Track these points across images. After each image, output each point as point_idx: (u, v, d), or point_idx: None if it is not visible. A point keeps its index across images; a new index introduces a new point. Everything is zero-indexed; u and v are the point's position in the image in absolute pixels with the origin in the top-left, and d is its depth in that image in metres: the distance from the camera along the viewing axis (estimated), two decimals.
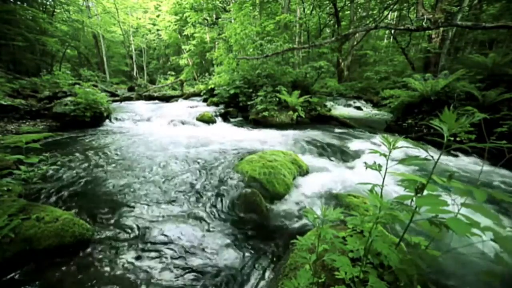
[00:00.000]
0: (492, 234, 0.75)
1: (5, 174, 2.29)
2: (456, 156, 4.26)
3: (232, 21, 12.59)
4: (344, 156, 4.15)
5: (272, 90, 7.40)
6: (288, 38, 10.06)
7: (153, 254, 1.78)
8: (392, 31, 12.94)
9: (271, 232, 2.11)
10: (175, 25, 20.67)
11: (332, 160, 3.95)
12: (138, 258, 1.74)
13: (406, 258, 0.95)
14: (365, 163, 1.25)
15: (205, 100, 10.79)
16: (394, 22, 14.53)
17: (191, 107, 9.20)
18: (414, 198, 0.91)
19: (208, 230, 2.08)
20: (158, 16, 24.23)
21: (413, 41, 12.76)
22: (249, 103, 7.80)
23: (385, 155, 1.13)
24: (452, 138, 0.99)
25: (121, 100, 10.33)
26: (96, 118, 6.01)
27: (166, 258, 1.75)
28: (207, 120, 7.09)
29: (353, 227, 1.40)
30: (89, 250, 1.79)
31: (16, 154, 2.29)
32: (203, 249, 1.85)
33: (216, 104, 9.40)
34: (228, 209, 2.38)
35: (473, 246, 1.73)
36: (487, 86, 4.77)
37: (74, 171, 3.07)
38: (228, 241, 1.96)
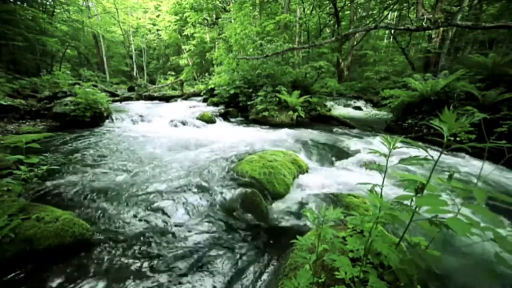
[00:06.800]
0: (492, 234, 0.75)
1: (5, 174, 2.29)
2: (456, 156, 4.25)
3: (232, 21, 12.60)
4: (344, 156, 4.14)
5: (272, 90, 7.40)
6: (288, 38, 10.06)
7: (153, 254, 1.78)
8: (392, 31, 12.95)
9: (271, 232, 2.11)
10: (175, 25, 20.66)
11: (332, 160, 3.95)
12: (138, 258, 1.74)
13: (406, 258, 0.95)
14: (365, 163, 1.25)
15: (205, 100, 10.79)
16: (394, 22, 14.53)
17: (191, 107, 9.20)
18: (414, 198, 0.91)
19: (207, 231, 2.08)
20: (158, 16, 24.22)
21: (413, 41, 12.75)
22: (249, 103, 7.81)
23: (385, 155, 1.13)
24: (452, 138, 0.99)
25: (121, 100, 10.31)
26: (96, 118, 6.01)
27: (165, 258, 1.75)
28: (207, 120, 7.09)
29: (353, 227, 1.39)
30: (89, 250, 1.79)
31: (16, 154, 2.28)
32: (202, 249, 1.85)
33: (216, 104, 9.40)
34: (228, 209, 2.38)
35: (473, 246, 1.73)
36: (487, 86, 4.77)
37: (74, 171, 3.08)
38: (228, 241, 1.97)
